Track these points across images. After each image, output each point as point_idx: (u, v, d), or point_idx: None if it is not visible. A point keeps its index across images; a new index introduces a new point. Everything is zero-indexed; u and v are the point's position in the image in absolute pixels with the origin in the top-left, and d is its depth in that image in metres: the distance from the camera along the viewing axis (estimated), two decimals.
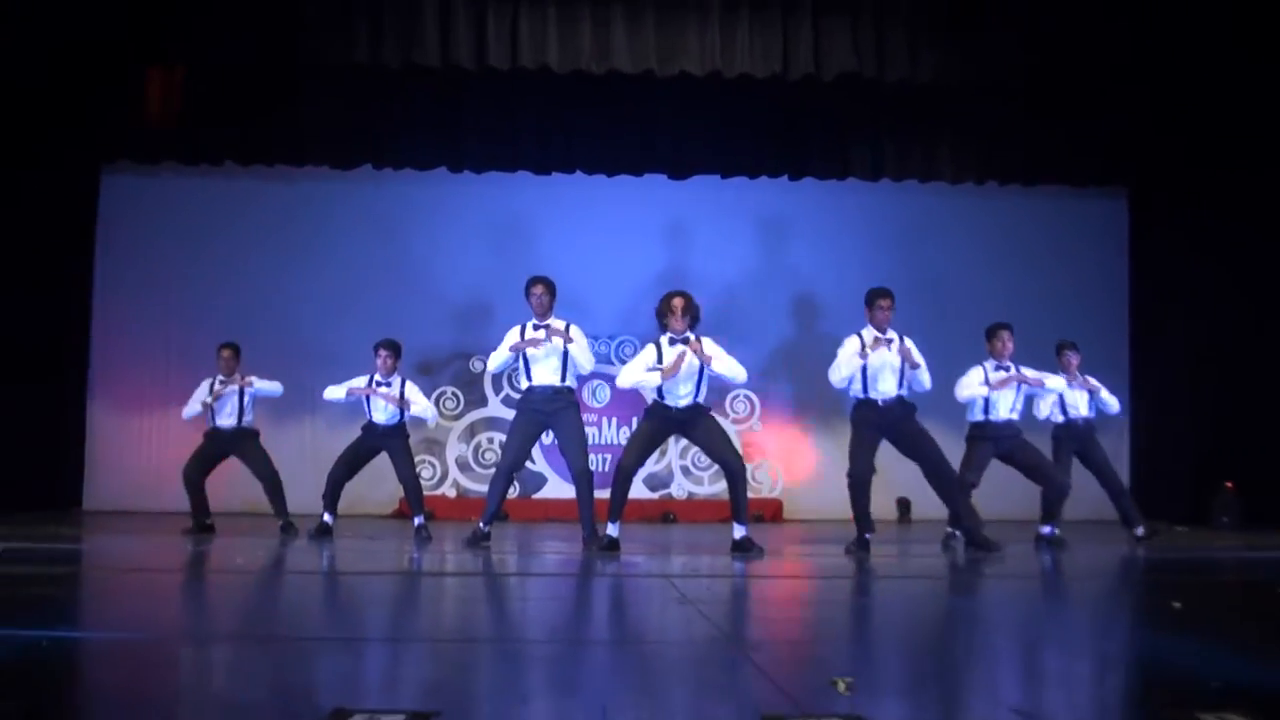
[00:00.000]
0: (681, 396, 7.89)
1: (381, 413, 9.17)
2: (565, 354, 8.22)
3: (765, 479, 12.60)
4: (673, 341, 7.88)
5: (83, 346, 12.46)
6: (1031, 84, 11.31)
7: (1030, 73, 11.04)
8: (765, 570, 7.07)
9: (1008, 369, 8.85)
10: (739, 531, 7.79)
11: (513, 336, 8.36)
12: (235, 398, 9.57)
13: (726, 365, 7.89)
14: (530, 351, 8.24)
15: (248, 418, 9.66)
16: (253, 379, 9.64)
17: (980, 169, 12.62)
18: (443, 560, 7.55)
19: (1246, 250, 11.65)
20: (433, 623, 4.90)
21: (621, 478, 7.90)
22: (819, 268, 12.97)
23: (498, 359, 8.51)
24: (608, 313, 12.38)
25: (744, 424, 12.64)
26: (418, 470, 11.99)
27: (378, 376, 9.17)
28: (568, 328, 8.27)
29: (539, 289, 8.33)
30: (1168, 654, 4.06)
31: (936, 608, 5.55)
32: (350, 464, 9.26)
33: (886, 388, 8.03)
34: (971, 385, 8.81)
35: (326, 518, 9.14)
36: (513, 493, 12.06)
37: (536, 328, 8.27)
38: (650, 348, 7.99)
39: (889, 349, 8.03)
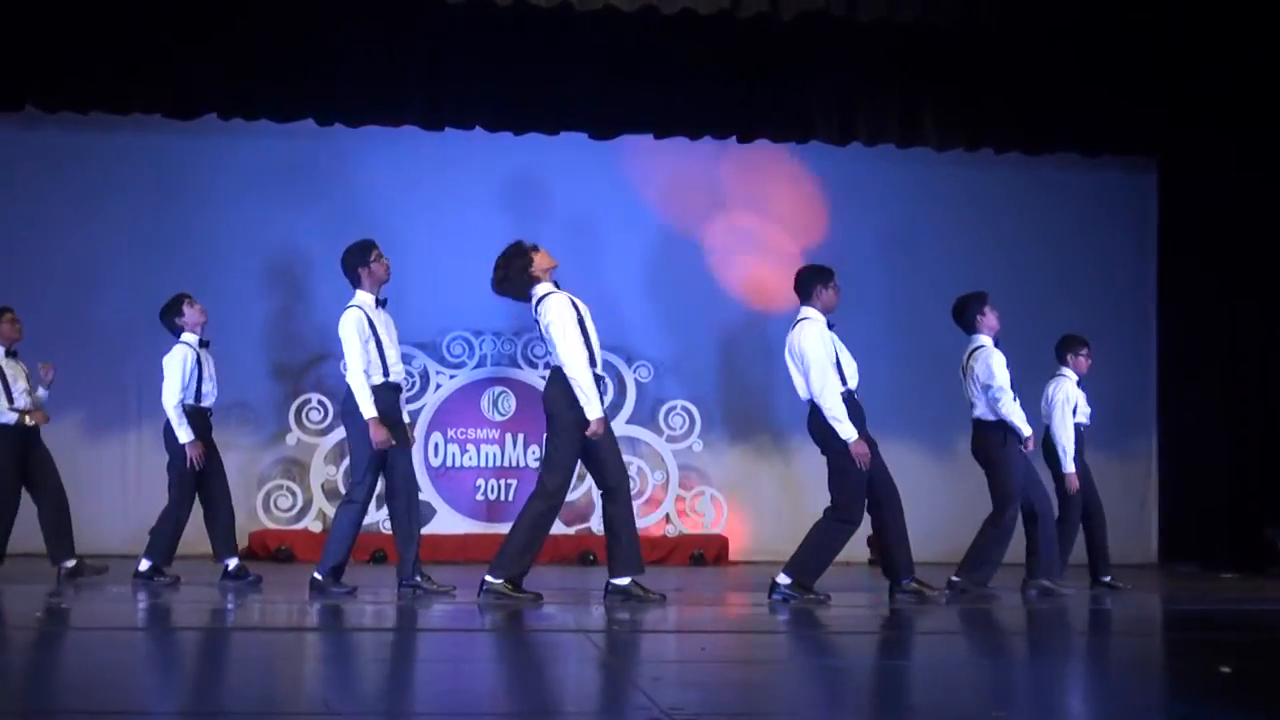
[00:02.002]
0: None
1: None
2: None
3: (707, 510, 12.50)
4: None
5: None
6: (1036, 29, 11.31)
7: (1034, 15, 11.04)
8: (707, 624, 6.98)
9: None
10: (620, 579, 7.71)
11: (360, 327, 8.12)
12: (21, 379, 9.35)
13: None
14: (384, 336, 8.17)
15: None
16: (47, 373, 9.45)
17: (972, 133, 12.59)
18: (302, 613, 7.40)
19: None
20: (286, 691, 4.73)
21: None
22: (774, 251, 12.89)
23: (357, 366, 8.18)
24: (510, 305, 12.18)
25: (680, 443, 12.52)
26: (265, 500, 11.87)
27: None
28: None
29: (379, 255, 8.35)
30: None
31: (919, 670, 5.46)
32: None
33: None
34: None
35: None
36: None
37: (380, 303, 8.28)
38: (568, 309, 7.86)
39: None
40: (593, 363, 7.73)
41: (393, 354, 8.17)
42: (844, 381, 7.99)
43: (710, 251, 13.04)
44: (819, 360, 7.92)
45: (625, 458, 12.05)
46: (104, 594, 8.17)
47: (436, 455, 12.32)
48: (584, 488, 11.76)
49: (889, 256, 12.90)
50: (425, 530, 11.87)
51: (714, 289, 12.98)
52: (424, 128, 12.23)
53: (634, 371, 12.43)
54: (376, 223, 12.29)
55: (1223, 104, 12.08)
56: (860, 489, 7.94)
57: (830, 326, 8.12)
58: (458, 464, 12.33)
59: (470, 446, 12.29)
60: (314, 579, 8.01)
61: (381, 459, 8.05)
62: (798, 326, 8.13)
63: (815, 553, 7.94)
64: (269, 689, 4.77)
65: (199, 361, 9.02)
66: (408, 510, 8.20)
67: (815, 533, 7.97)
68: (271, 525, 11.88)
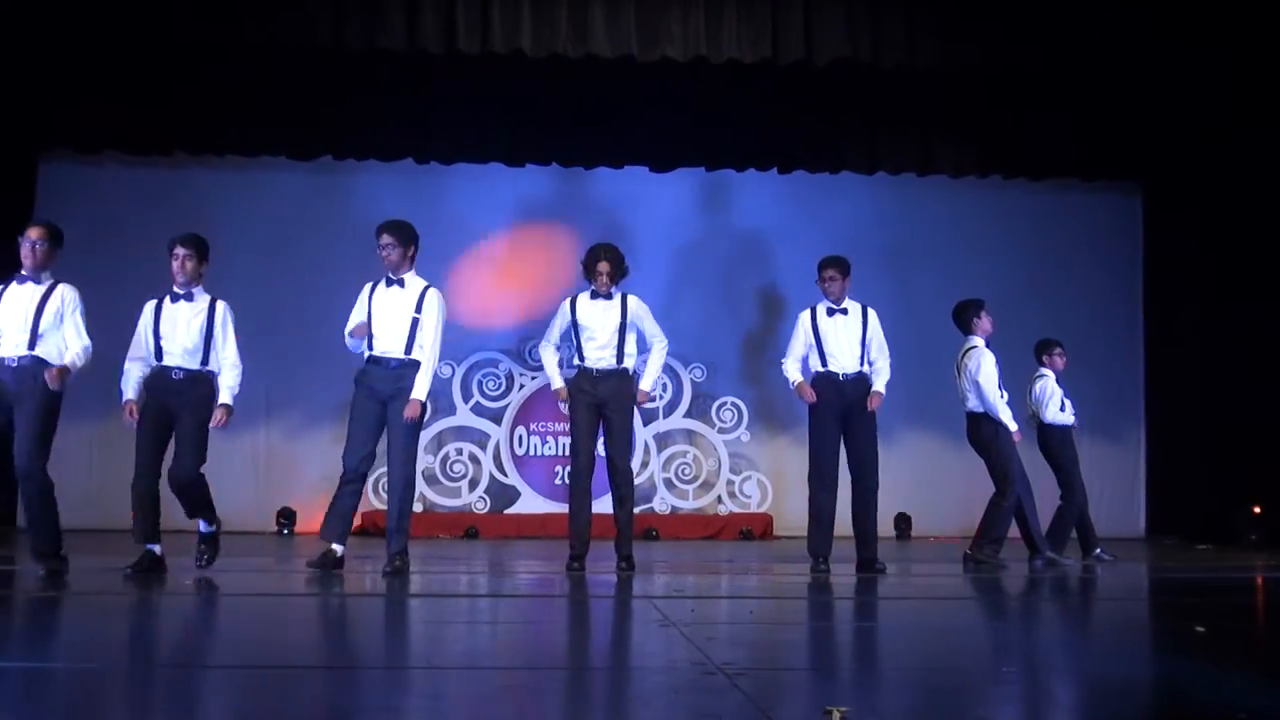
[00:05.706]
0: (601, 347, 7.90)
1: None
2: (414, 320, 7.44)
3: (754, 492, 12.51)
4: (594, 295, 7.98)
5: None
6: (1038, 70, 11.25)
7: (1036, 58, 10.99)
8: (754, 590, 6.99)
9: None
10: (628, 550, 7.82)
11: (361, 304, 7.60)
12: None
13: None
14: (376, 312, 7.48)
15: None
16: None
17: (983, 162, 12.59)
18: (405, 581, 7.45)
19: (1271, 249, 11.57)
20: (394, 648, 4.81)
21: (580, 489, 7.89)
22: (811, 267, 12.87)
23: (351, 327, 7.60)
24: None
25: (730, 434, 12.56)
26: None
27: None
28: (425, 290, 7.53)
29: (386, 238, 7.47)
30: (1190, 681, 4.00)
31: (939, 631, 5.47)
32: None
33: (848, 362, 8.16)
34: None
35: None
36: (483, 507, 12.01)
37: (390, 283, 7.51)
38: (563, 307, 8.07)
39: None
40: (583, 358, 7.93)
41: (379, 329, 7.43)
42: (825, 364, 8.13)
43: (754, 267, 13.07)
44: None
45: (682, 446, 12.32)
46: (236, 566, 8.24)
47: (520, 445, 12.41)
48: (646, 474, 11.87)
49: (906, 268, 12.87)
50: (511, 509, 12.07)
51: (758, 300, 13.01)
52: (507, 164, 12.36)
53: (690, 372, 12.48)
54: (463, 245, 12.47)
55: (1200, 135, 12.02)
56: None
57: (829, 313, 8.27)
58: (538, 453, 12.42)
59: (549, 438, 12.37)
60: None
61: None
62: None
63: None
64: (368, 647, 4.84)
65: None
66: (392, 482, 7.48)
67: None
68: (380, 506, 11.99)
